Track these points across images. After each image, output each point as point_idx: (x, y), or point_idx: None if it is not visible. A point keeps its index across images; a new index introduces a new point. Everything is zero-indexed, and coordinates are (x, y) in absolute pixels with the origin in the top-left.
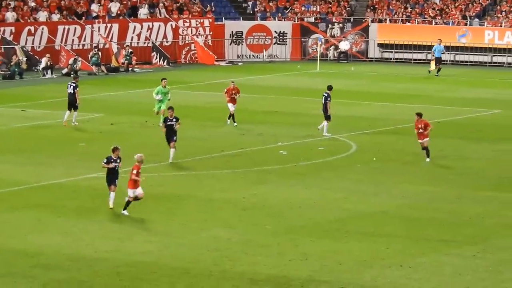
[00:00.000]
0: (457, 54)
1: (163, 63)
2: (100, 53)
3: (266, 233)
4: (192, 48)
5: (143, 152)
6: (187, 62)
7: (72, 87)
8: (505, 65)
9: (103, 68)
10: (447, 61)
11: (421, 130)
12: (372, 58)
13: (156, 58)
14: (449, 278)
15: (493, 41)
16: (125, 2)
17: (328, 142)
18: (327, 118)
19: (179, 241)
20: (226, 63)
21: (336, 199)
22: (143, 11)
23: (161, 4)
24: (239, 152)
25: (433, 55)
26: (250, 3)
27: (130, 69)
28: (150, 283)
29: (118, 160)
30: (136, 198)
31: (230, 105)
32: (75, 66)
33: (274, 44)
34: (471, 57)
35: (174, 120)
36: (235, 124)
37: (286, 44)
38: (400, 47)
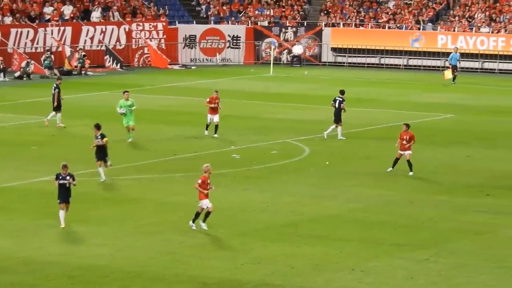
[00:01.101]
0: (410, 58)
1: (117, 66)
2: (52, 56)
3: (218, 237)
4: (146, 51)
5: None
6: (140, 65)
7: (53, 88)
8: (458, 69)
9: (56, 71)
10: (400, 65)
11: (404, 142)
12: (326, 62)
13: (109, 61)
14: (402, 282)
15: (446, 45)
16: (78, 5)
17: (281, 146)
18: (339, 121)
19: (132, 245)
20: (180, 66)
21: (289, 202)
22: (96, 14)
23: (114, 7)
24: (192, 155)
25: (450, 63)
26: (203, 7)
27: (83, 72)
28: (102, 287)
29: (68, 177)
30: (204, 211)
31: (209, 116)
32: (27, 69)
33: (228, 48)
34: (424, 62)
35: (99, 137)
36: (216, 135)
37: (240, 48)
38: (354, 51)
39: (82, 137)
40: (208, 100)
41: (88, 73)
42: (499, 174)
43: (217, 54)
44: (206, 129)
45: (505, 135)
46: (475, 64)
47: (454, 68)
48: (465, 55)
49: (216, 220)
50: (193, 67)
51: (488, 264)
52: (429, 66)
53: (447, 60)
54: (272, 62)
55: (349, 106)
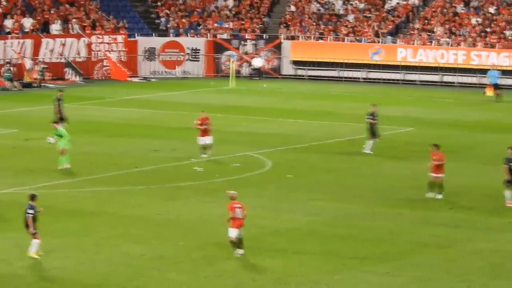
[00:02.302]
0: (370, 71)
1: (76, 78)
2: (13, 68)
3: (179, 250)
4: (105, 64)
5: (56, 166)
6: (100, 78)
7: (55, 100)
8: (417, 82)
9: (16, 83)
10: (360, 78)
11: (437, 163)
12: (286, 75)
13: (69, 74)
14: None
15: (406, 58)
16: (38, 18)
17: (243, 159)
18: (374, 135)
19: (94, 257)
20: (139, 79)
21: (250, 216)
22: (56, 27)
23: (74, 20)
24: (153, 168)
25: (489, 81)
26: (163, 20)
27: (43, 84)
28: None
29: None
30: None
31: (201, 139)
32: None
33: (187, 60)
34: (383, 75)
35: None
36: (205, 156)
37: (199, 60)
38: (313, 64)
39: (43, 150)
40: (198, 122)
41: (48, 85)
42: (460, 188)
43: (177, 66)
44: (203, 151)
45: (465, 149)
46: (435, 77)
47: (495, 86)
48: (424, 69)
49: (177, 233)
50: (153, 80)
51: (450, 277)
52: (388, 79)
53: (407, 73)
54: (231, 75)
55: (309, 119)
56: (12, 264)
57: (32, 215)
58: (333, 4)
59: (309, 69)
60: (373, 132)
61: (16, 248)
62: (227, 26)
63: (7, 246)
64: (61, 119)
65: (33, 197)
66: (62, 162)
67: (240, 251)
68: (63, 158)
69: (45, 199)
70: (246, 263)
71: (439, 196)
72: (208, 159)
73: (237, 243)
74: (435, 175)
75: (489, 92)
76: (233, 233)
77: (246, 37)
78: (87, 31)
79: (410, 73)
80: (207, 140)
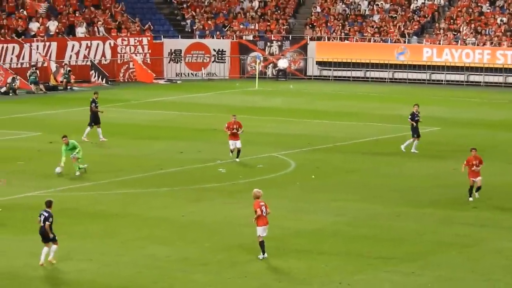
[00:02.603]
0: (396, 71)
1: (102, 81)
2: (38, 71)
3: (204, 251)
4: (131, 66)
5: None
6: (126, 80)
7: (90, 102)
8: (443, 82)
9: (41, 86)
10: (386, 78)
11: (475, 168)
12: (311, 76)
13: (95, 76)
14: None
15: (432, 58)
16: (64, 21)
17: (267, 160)
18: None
19: (118, 259)
20: (165, 81)
21: (274, 217)
22: (81, 30)
23: (99, 22)
24: (178, 170)
25: None
26: (188, 22)
27: (68, 87)
28: None
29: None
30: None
31: (231, 142)
32: (13, 84)
33: (213, 62)
34: (409, 75)
35: None
36: (237, 159)
37: (225, 62)
38: (339, 65)
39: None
40: (226, 125)
41: (73, 88)
42: (484, 187)
43: (202, 68)
44: (231, 153)
45: (491, 148)
46: (461, 77)
47: None
48: (450, 68)
49: (202, 234)
50: (178, 82)
51: (474, 276)
52: (414, 79)
53: (432, 73)
54: (257, 76)
55: (334, 120)
56: (34, 266)
57: (50, 223)
58: (359, 4)
59: (334, 70)
60: (414, 132)
61: (40, 250)
62: (252, 27)
63: (31, 248)
64: (97, 122)
65: (50, 204)
66: (76, 168)
67: (263, 255)
68: (76, 164)
69: (70, 202)
70: (270, 264)
71: (477, 196)
72: (233, 161)
73: (263, 244)
74: (473, 179)
75: None
76: (260, 231)
77: (272, 38)
78: (113, 34)
79: (436, 73)
80: (237, 143)
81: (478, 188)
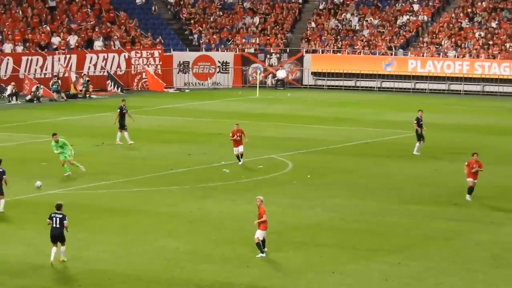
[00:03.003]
0: (383, 81)
1: (117, 90)
2: (60, 81)
3: (210, 244)
4: (144, 76)
5: (98, 169)
6: (139, 89)
7: (118, 108)
8: (427, 91)
9: (62, 94)
10: (374, 87)
11: (474, 170)
12: (307, 85)
13: (111, 85)
14: (377, 283)
15: (416, 69)
16: (82, 35)
17: (266, 161)
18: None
19: (133, 251)
20: (174, 90)
21: (273, 212)
22: (98, 43)
23: (115, 37)
24: (186, 170)
25: None
26: (196, 36)
27: (87, 95)
28: None
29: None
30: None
31: (235, 149)
32: (37, 93)
33: (218, 72)
34: (396, 84)
35: None
36: (240, 163)
37: (229, 72)
38: (332, 75)
39: (86, 154)
40: (230, 135)
41: (92, 96)
42: (464, 186)
43: (208, 78)
44: (238, 160)
45: (470, 150)
46: (443, 86)
47: None
48: (433, 78)
49: (208, 228)
50: (186, 90)
51: (456, 266)
52: (400, 88)
53: (417, 82)
54: (258, 85)
55: (328, 125)
56: (57, 257)
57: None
58: (350, 20)
59: (328, 80)
60: (418, 136)
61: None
62: (253, 41)
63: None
64: (122, 127)
65: (61, 206)
66: (66, 170)
67: (262, 254)
68: (66, 167)
69: (89, 199)
70: (270, 255)
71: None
72: (237, 162)
73: (261, 244)
74: (471, 179)
75: None
76: (260, 234)
77: (271, 51)
78: (127, 47)
79: (420, 82)
80: (240, 148)
81: (471, 191)
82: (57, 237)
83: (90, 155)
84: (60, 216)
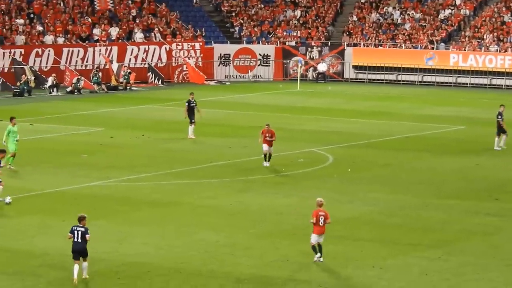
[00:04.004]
0: (425, 75)
1: (158, 82)
2: (100, 73)
3: (250, 237)
4: (184, 69)
5: (138, 162)
6: (180, 81)
7: (186, 102)
8: (468, 85)
9: (103, 86)
10: (415, 81)
11: None
12: (348, 79)
13: (152, 77)
14: (416, 278)
15: (458, 63)
16: (124, 27)
17: (307, 155)
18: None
19: (172, 243)
20: (215, 82)
21: (313, 206)
22: (138, 35)
23: (156, 29)
24: (226, 163)
25: None
26: (237, 28)
27: (128, 87)
28: (145, 282)
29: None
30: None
31: (265, 146)
32: (78, 85)
33: (259, 65)
34: (437, 78)
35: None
36: (267, 164)
37: (270, 65)
38: (373, 69)
39: (127, 146)
40: (261, 132)
41: (132, 88)
42: (506, 181)
43: (249, 71)
44: (265, 160)
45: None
46: (484, 80)
47: None
48: (475, 72)
49: (248, 221)
50: (227, 83)
51: (496, 262)
52: (442, 82)
53: (458, 77)
54: (299, 78)
55: (369, 118)
56: (97, 249)
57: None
58: (392, 14)
59: (369, 73)
60: (500, 130)
61: (101, 235)
62: (295, 34)
63: (94, 233)
64: (192, 121)
65: (83, 219)
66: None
67: (317, 256)
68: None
69: (129, 191)
70: (310, 249)
71: None
72: (276, 155)
73: (316, 248)
74: None
75: None
76: (314, 238)
77: (312, 44)
78: (168, 39)
79: (461, 77)
80: (266, 148)
81: None
82: (80, 252)
83: (131, 147)
84: (82, 229)
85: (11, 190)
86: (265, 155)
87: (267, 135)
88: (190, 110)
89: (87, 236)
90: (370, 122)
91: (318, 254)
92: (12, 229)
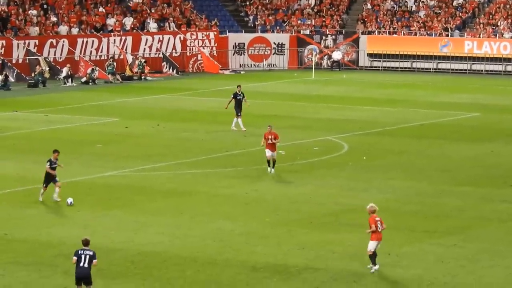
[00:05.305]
0: (440, 62)
1: (173, 72)
2: (115, 63)
3: (265, 225)
4: (199, 58)
5: (153, 151)
6: (194, 71)
7: (239, 96)
8: (483, 72)
9: (118, 76)
10: (430, 69)
11: None
12: (362, 67)
13: (166, 67)
14: (432, 265)
15: (472, 50)
16: (138, 17)
17: (322, 143)
18: None
19: (188, 233)
20: (230, 71)
21: (329, 194)
22: (152, 25)
23: (170, 19)
24: (241, 152)
25: None
26: (251, 17)
27: (142, 77)
28: (161, 271)
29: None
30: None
31: (268, 151)
32: (93, 75)
33: (273, 54)
34: (452, 65)
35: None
36: (272, 170)
37: (284, 54)
38: (388, 56)
39: (142, 136)
40: (263, 136)
41: (147, 78)
42: None
43: (264, 60)
44: (269, 166)
45: None
46: (499, 67)
47: None
48: (489, 59)
49: (263, 210)
50: (242, 72)
51: (511, 248)
52: (457, 69)
53: (473, 63)
54: (313, 67)
55: (384, 106)
56: (113, 239)
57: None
58: (406, 1)
59: (384, 61)
60: None
61: (117, 225)
62: (309, 22)
63: (109, 223)
64: (238, 113)
65: (88, 242)
66: None
67: (375, 267)
68: None
69: (144, 181)
70: (326, 237)
71: None
72: (292, 143)
73: (374, 257)
74: None
75: None
76: (371, 245)
77: (327, 32)
78: (183, 29)
79: (476, 64)
80: (274, 154)
81: None
82: (85, 279)
83: (146, 137)
84: (91, 253)
85: (26, 181)
86: (268, 161)
87: (269, 137)
88: (237, 103)
89: (94, 261)
90: (385, 110)
91: (377, 266)
92: (29, 219)
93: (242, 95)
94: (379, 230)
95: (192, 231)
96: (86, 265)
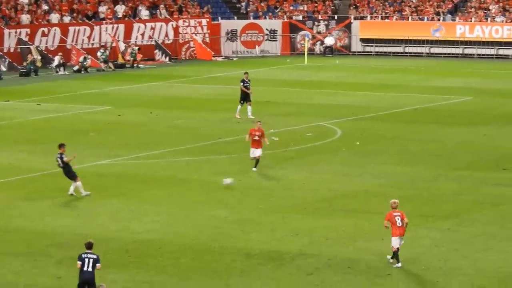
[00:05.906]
0: (432, 47)
1: (165, 59)
2: (107, 51)
3: (259, 212)
4: (191, 45)
5: (147, 139)
6: (187, 58)
7: (240, 81)
8: (475, 56)
9: (110, 64)
10: (423, 53)
11: None
12: (355, 52)
13: (159, 55)
14: (427, 249)
15: (464, 34)
16: (130, 5)
17: (315, 129)
18: None
19: (182, 221)
20: (222, 58)
21: (322, 180)
22: (144, 13)
23: (162, 6)
24: (234, 139)
25: None
26: (243, 4)
27: (135, 65)
28: (156, 259)
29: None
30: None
31: (252, 150)
32: (85, 63)
33: (266, 40)
34: (444, 50)
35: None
36: (254, 169)
37: (277, 40)
38: (380, 41)
39: (135, 124)
40: (249, 132)
41: (140, 66)
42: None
43: (256, 46)
44: (255, 167)
45: None
46: (491, 51)
47: None
48: (481, 43)
49: (257, 197)
50: (234, 59)
51: (505, 232)
52: (449, 54)
53: (465, 47)
54: (306, 52)
55: (376, 91)
56: (108, 227)
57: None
58: None
59: (376, 46)
60: None
61: (112, 214)
62: (301, 8)
63: (104, 211)
64: (245, 99)
65: (91, 245)
66: None
67: (398, 264)
68: None
69: (138, 169)
70: (319, 223)
71: None
72: (285, 129)
73: (397, 254)
74: None
75: None
76: (393, 241)
77: (319, 18)
78: (175, 16)
79: (468, 48)
80: (257, 152)
81: None
82: (89, 283)
83: (139, 125)
84: (94, 257)
85: (20, 171)
86: (256, 161)
87: (256, 134)
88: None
89: (98, 265)
90: (378, 95)
91: (399, 264)
92: (22, 209)
93: (249, 82)
94: (399, 225)
95: (186, 219)
96: (90, 269)
